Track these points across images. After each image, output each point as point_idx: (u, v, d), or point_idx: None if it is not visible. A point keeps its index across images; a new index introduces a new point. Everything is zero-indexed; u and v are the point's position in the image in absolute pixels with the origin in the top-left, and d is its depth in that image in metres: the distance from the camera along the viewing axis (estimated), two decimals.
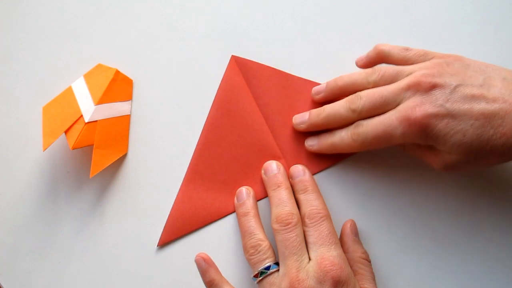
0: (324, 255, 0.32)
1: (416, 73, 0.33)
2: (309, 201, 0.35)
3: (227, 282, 0.35)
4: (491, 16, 0.40)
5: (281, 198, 0.36)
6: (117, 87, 0.41)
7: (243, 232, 0.36)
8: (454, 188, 0.38)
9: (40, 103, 0.41)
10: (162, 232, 0.39)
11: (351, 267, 0.34)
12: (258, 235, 0.35)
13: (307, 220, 0.34)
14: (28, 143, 0.42)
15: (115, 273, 0.39)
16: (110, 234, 0.40)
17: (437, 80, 0.32)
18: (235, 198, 0.38)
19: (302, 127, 0.38)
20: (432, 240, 0.37)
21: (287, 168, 0.38)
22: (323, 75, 0.40)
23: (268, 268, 0.34)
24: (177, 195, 0.40)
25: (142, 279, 0.39)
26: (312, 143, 0.38)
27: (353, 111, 0.35)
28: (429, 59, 0.35)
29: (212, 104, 0.41)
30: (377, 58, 0.37)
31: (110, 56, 0.43)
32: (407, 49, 0.36)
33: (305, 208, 0.35)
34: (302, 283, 0.32)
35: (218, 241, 0.39)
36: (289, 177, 0.38)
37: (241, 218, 0.37)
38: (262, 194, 0.39)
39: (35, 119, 0.42)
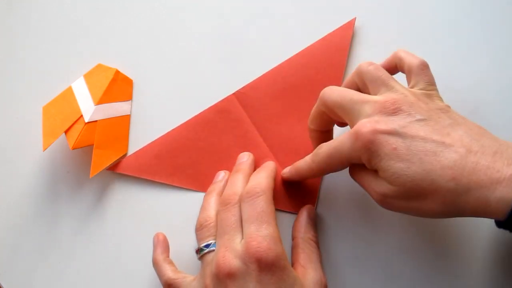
0: (253, 234, 0.31)
1: (389, 94, 0.30)
2: (254, 178, 0.34)
3: (170, 262, 0.35)
4: (491, 16, 0.40)
5: (233, 181, 0.35)
6: (117, 87, 0.41)
7: (200, 208, 0.36)
8: None
9: (40, 103, 0.41)
10: (124, 160, 0.40)
11: (297, 246, 0.32)
12: (209, 212, 0.34)
13: (244, 195, 0.33)
14: (28, 143, 0.42)
15: (115, 273, 0.39)
16: (110, 234, 0.40)
17: (404, 107, 0.29)
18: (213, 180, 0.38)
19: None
20: (433, 240, 0.37)
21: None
22: None
23: (207, 246, 0.33)
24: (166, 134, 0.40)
25: (142, 279, 0.39)
26: (285, 171, 0.37)
27: None
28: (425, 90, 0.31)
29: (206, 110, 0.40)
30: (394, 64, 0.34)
31: (110, 56, 0.43)
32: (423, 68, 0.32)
33: (248, 184, 0.34)
34: (227, 262, 0.30)
35: None
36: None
37: (205, 195, 0.37)
38: None
39: (35, 119, 0.42)
